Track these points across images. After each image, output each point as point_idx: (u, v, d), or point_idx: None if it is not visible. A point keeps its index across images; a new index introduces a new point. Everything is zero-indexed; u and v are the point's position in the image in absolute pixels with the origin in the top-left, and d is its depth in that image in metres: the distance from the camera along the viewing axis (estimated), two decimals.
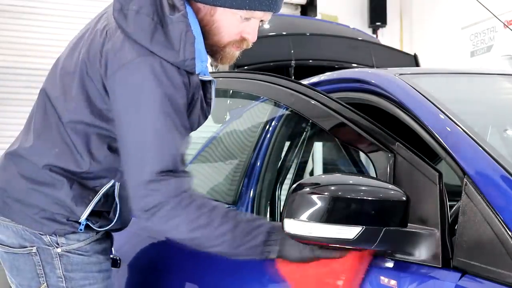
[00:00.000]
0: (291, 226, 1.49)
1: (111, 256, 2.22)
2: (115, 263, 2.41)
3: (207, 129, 3.24)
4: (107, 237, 1.97)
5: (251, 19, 1.79)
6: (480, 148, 1.54)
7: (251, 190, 2.58)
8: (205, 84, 1.86)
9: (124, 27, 1.73)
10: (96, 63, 1.76)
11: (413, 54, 3.48)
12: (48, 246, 1.85)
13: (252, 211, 2.56)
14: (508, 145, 1.95)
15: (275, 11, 1.81)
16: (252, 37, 1.81)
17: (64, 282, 1.86)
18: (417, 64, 3.39)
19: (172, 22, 1.71)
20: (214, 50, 1.82)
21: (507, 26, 3.44)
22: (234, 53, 1.84)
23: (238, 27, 1.79)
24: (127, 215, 1.93)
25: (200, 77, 1.81)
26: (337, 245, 1.51)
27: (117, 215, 1.88)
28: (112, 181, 1.85)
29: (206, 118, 1.91)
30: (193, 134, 1.89)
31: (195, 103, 1.82)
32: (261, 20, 1.83)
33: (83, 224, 1.84)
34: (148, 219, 1.68)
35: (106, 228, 1.90)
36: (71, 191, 1.81)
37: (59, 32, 5.96)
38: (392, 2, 6.96)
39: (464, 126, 1.62)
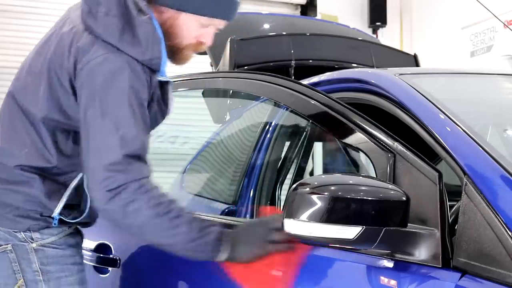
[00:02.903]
0: (291, 226, 1.49)
1: (111, 256, 2.24)
2: (115, 263, 2.41)
3: (207, 129, 3.25)
4: (78, 232, 2.04)
5: (210, 26, 1.95)
6: (480, 148, 1.54)
7: (251, 190, 2.58)
8: (163, 85, 1.96)
9: (94, 28, 1.84)
10: (64, 61, 1.86)
11: (413, 54, 3.48)
12: (23, 242, 1.90)
13: (252, 211, 2.56)
14: (508, 145, 1.96)
15: (231, 20, 1.97)
16: (208, 42, 1.97)
17: (40, 275, 1.91)
18: (417, 64, 3.39)
19: (139, 23, 1.84)
20: (172, 51, 1.95)
21: (507, 26, 3.44)
22: (190, 55, 2.00)
23: (197, 32, 1.94)
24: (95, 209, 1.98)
25: (158, 78, 1.91)
26: (337, 245, 1.51)
27: (87, 206, 1.95)
28: (81, 174, 1.92)
29: (164, 118, 2.02)
30: (193, 134, 1.89)
31: (154, 102, 1.92)
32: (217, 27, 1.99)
33: (56, 219, 1.91)
34: (109, 200, 1.74)
35: (78, 220, 1.96)
36: (44, 187, 1.88)
37: None
38: (392, 2, 6.96)
39: (464, 126, 1.62)
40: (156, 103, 1.95)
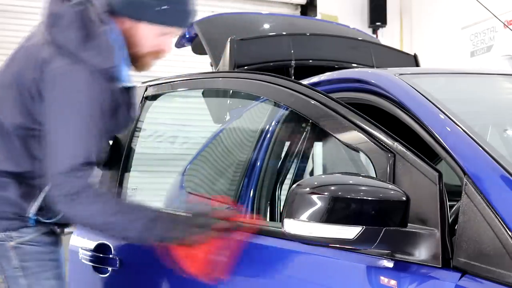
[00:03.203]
0: (291, 226, 1.49)
1: (110, 256, 2.24)
2: (115, 263, 2.41)
3: (207, 129, 3.25)
4: (55, 232, 2.17)
5: (168, 34, 2.12)
6: (480, 148, 1.54)
7: (251, 190, 2.58)
8: (127, 91, 2.12)
9: (56, 40, 1.99)
10: (31, 72, 2.00)
11: (413, 54, 3.48)
12: (2, 241, 2.05)
13: (252, 211, 2.56)
14: (508, 145, 1.96)
15: (186, 28, 2.22)
16: (167, 49, 2.14)
17: (20, 271, 2.06)
18: (417, 64, 3.39)
19: (99, 34, 1.99)
20: (133, 58, 2.11)
21: (507, 26, 3.44)
22: (151, 61, 2.16)
23: (156, 40, 2.10)
24: None
25: (122, 84, 2.07)
26: (337, 245, 1.51)
27: None
28: None
29: (133, 121, 2.23)
30: (193, 134, 1.91)
31: (118, 107, 2.07)
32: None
33: (33, 219, 2.07)
34: (70, 203, 1.90)
35: (54, 220, 2.10)
36: (19, 190, 2.05)
37: None
38: (392, 2, 6.96)
39: (464, 126, 1.62)
40: (125, 108, 2.10)
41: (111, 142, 2.58)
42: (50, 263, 2.13)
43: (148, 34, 2.08)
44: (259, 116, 2.74)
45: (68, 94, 1.95)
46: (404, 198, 1.46)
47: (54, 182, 1.93)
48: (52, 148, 1.95)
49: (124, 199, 2.02)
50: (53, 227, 2.16)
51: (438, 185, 1.50)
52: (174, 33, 2.14)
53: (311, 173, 3.36)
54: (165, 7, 2.06)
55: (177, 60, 5.81)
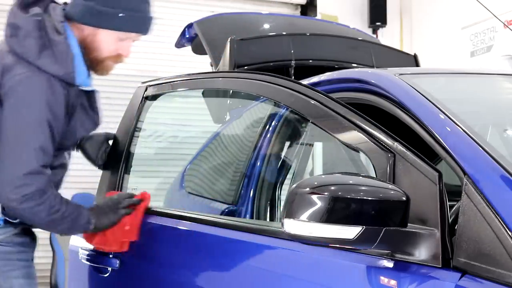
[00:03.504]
0: (291, 226, 1.49)
1: (110, 256, 2.24)
2: (115, 263, 2.41)
3: (207, 129, 3.25)
4: (26, 233, 2.29)
5: (127, 39, 2.24)
6: (480, 148, 1.54)
7: (251, 190, 2.58)
8: (89, 94, 2.25)
9: (15, 49, 2.12)
10: None
11: (413, 54, 3.48)
12: None
13: (252, 211, 2.56)
14: (508, 145, 1.96)
15: (146, 34, 2.29)
16: (126, 54, 2.27)
17: None
18: (417, 64, 3.39)
19: (56, 43, 2.12)
20: (93, 63, 2.24)
21: (507, 26, 3.44)
22: (111, 65, 2.28)
23: (115, 45, 2.23)
24: None
25: (82, 88, 2.20)
26: (337, 245, 1.51)
27: None
28: None
29: (96, 125, 2.32)
30: (193, 134, 1.91)
31: (74, 111, 2.19)
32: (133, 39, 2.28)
33: (1, 219, 2.18)
34: (22, 203, 2.06)
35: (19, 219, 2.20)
36: None
37: None
38: (392, 2, 6.95)
39: (464, 126, 1.62)
40: (82, 112, 2.23)
41: (111, 143, 2.58)
42: (18, 262, 2.24)
43: (107, 39, 2.21)
44: (259, 116, 2.74)
45: (25, 100, 2.08)
46: (404, 198, 1.46)
47: (11, 183, 2.06)
48: (10, 151, 2.08)
49: (59, 199, 2.14)
50: (28, 227, 2.27)
51: (438, 185, 1.50)
52: (132, 38, 2.26)
53: (311, 173, 3.37)
54: (123, 14, 2.19)
55: (177, 60, 5.84)
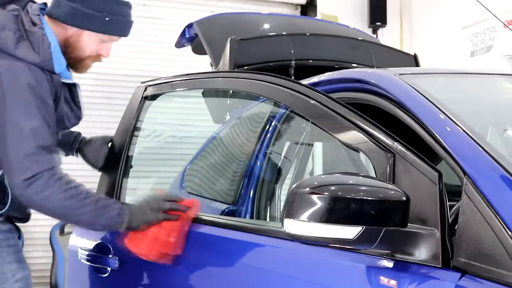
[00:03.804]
0: (291, 226, 1.49)
1: (109, 256, 2.23)
2: (114, 263, 2.41)
3: (207, 129, 3.25)
4: (10, 220, 2.32)
5: (108, 41, 2.36)
6: (480, 148, 1.54)
7: (251, 190, 2.58)
8: (71, 89, 2.34)
9: None
10: None
11: (413, 54, 3.48)
12: None
13: (252, 211, 2.56)
14: (508, 145, 1.95)
15: (126, 36, 2.41)
16: (106, 54, 2.39)
17: None
18: (417, 64, 3.39)
19: (32, 33, 2.21)
20: (74, 61, 2.33)
21: (507, 26, 3.43)
22: (90, 64, 2.39)
23: (97, 46, 2.34)
24: (21, 210, 2.31)
25: (63, 80, 2.28)
26: (337, 245, 1.51)
27: (9, 199, 2.25)
28: (1, 171, 2.22)
29: (78, 119, 2.40)
30: (192, 134, 1.91)
31: (58, 99, 2.26)
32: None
33: None
34: (26, 187, 2.08)
35: (3, 211, 2.26)
36: None
37: None
38: (392, 2, 6.95)
39: (464, 126, 1.62)
40: (65, 104, 2.30)
41: (110, 145, 2.58)
42: (8, 248, 2.29)
43: (90, 40, 2.32)
44: (259, 116, 2.74)
45: (10, 88, 2.15)
46: (404, 198, 1.46)
47: (12, 168, 2.11)
48: (7, 136, 2.12)
49: (76, 184, 2.14)
50: (9, 216, 2.31)
51: (438, 185, 1.49)
52: (114, 40, 2.38)
53: (311, 173, 3.37)
54: (108, 18, 2.30)
55: (177, 60, 5.84)
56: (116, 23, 2.34)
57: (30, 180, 2.09)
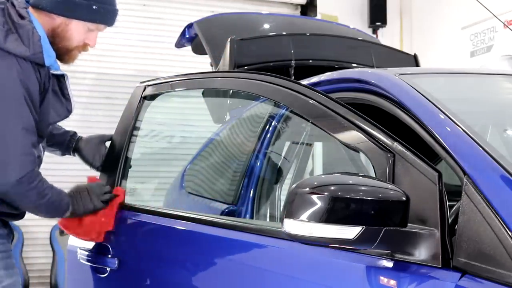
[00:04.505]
0: (291, 226, 1.49)
1: (109, 256, 2.23)
2: (113, 263, 2.41)
3: (207, 129, 3.25)
4: (2, 225, 2.32)
5: (95, 30, 2.37)
6: (480, 148, 1.54)
7: (251, 190, 2.58)
8: (60, 80, 2.33)
9: None
10: None
11: (413, 54, 3.48)
12: None
13: (252, 211, 2.56)
14: (508, 145, 1.95)
15: (112, 25, 2.42)
16: (93, 44, 2.39)
17: None
18: (417, 64, 3.39)
19: (20, 26, 2.21)
20: (62, 51, 2.34)
21: (507, 26, 3.43)
22: (77, 54, 2.40)
23: (84, 35, 2.35)
24: (14, 206, 2.28)
25: (52, 72, 2.28)
26: (337, 245, 1.51)
27: None
28: None
29: (69, 112, 2.39)
30: (192, 134, 1.91)
31: (46, 92, 2.26)
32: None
33: None
34: (12, 187, 2.13)
35: None
36: None
37: None
38: (392, 2, 6.95)
39: (464, 126, 1.62)
40: (53, 95, 2.30)
41: (107, 144, 2.58)
42: None
43: (78, 30, 2.33)
44: (259, 116, 2.74)
45: (1, 82, 2.15)
46: (404, 198, 1.46)
47: (2, 169, 2.13)
48: None
49: (47, 183, 2.24)
50: (3, 219, 2.31)
51: (438, 185, 1.49)
52: (100, 30, 2.39)
53: (311, 173, 3.37)
54: (95, 7, 2.31)
55: (177, 60, 5.84)
56: (103, 11, 2.35)
57: (19, 181, 2.14)
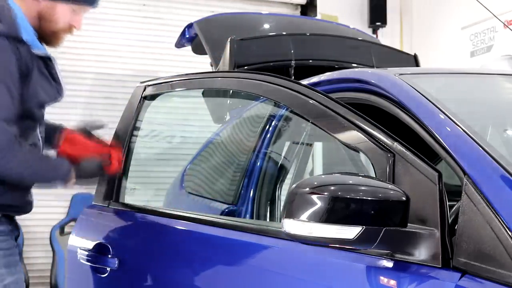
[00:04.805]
0: (291, 226, 1.49)
1: (109, 256, 2.23)
2: (113, 263, 2.41)
3: (207, 129, 3.25)
4: (5, 221, 2.30)
5: (80, 13, 2.40)
6: (480, 148, 1.54)
7: (251, 190, 2.58)
8: (47, 63, 2.32)
9: None
10: None
11: (413, 54, 3.48)
12: None
13: (252, 211, 2.56)
14: (508, 145, 1.95)
15: (96, 6, 2.46)
16: (78, 26, 2.41)
17: None
18: (417, 64, 3.39)
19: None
20: (47, 34, 2.37)
21: (507, 26, 3.44)
22: (63, 37, 2.42)
23: (69, 18, 2.37)
24: (18, 196, 2.30)
25: (36, 52, 2.27)
26: (337, 245, 1.51)
27: None
28: None
29: (60, 95, 2.39)
30: (192, 134, 1.91)
31: (30, 72, 2.25)
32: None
33: None
34: None
35: None
36: None
37: None
38: (392, 2, 6.95)
39: (464, 126, 1.62)
40: (42, 78, 2.30)
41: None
42: None
43: (63, 11, 2.36)
44: (259, 116, 2.74)
45: None
46: (404, 198, 1.46)
47: None
48: None
49: (33, 151, 2.26)
50: (7, 214, 2.29)
51: (438, 185, 1.49)
52: (85, 11, 2.42)
53: (311, 173, 3.37)
54: None
55: (177, 60, 5.84)
56: None
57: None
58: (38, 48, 2.30)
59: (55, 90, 2.37)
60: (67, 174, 2.31)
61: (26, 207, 2.34)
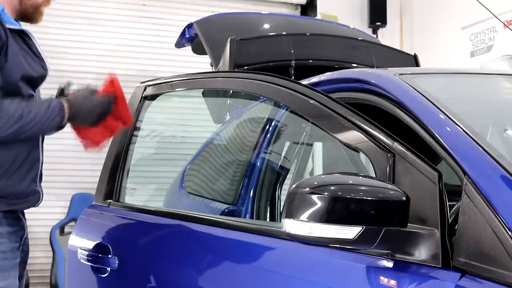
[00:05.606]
0: (291, 226, 1.49)
1: (109, 256, 2.23)
2: (114, 263, 2.41)
3: (207, 129, 3.25)
4: (2, 223, 2.23)
5: None
6: (480, 148, 1.54)
7: (251, 190, 2.58)
8: (24, 39, 2.32)
9: None
10: None
11: (413, 54, 3.48)
12: None
13: (252, 211, 2.56)
14: (508, 145, 1.95)
15: None
16: None
17: None
18: (417, 64, 3.39)
19: None
20: (31, 10, 2.40)
21: (507, 26, 3.44)
22: (43, 11, 2.45)
23: None
24: (20, 189, 2.24)
25: (8, 26, 2.25)
26: (337, 245, 1.51)
27: None
28: None
29: (45, 70, 2.37)
30: (192, 134, 1.91)
31: (6, 46, 2.22)
32: None
33: None
34: None
35: None
36: None
37: (62, 32, 5.98)
38: (392, 2, 6.96)
39: (464, 126, 1.62)
40: (24, 53, 2.28)
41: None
42: None
43: None
44: (259, 116, 2.74)
45: None
46: (404, 198, 1.46)
47: None
48: None
49: (24, 102, 2.21)
50: (4, 216, 2.22)
51: (438, 185, 1.49)
52: None
53: (311, 173, 3.36)
54: None
55: (177, 60, 5.84)
56: None
57: None
58: (9, 22, 2.28)
59: (40, 66, 2.35)
60: (59, 107, 2.25)
61: (32, 196, 2.29)
